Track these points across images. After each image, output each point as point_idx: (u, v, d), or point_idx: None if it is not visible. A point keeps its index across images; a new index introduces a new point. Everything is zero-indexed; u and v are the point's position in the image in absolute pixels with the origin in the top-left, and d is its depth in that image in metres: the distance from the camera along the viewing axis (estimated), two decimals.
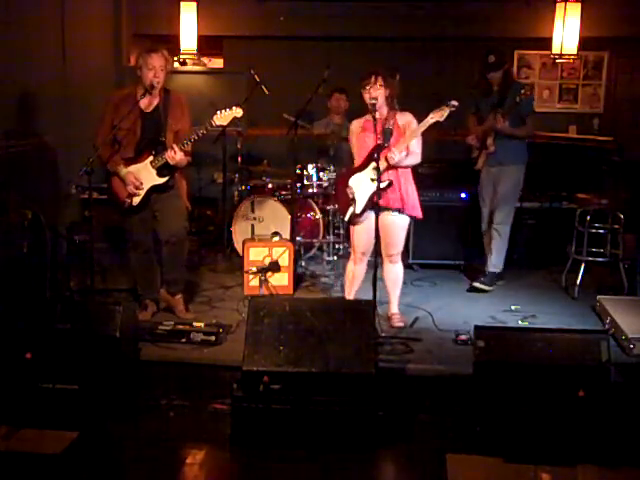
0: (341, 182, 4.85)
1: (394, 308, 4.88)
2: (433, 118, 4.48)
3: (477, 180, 5.79)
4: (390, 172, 4.57)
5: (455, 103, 4.43)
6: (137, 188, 4.61)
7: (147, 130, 4.63)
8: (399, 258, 4.83)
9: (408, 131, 4.58)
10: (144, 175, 4.61)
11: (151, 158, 4.60)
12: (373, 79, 4.54)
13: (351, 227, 4.86)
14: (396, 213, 4.66)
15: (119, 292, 5.26)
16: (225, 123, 4.62)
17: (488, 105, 5.48)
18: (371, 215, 4.63)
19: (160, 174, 4.62)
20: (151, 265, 4.94)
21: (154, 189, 4.65)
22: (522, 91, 5.21)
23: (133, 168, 4.62)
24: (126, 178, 4.60)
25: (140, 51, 4.62)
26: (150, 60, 4.52)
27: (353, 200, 4.70)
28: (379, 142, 4.49)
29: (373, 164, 4.56)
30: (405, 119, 4.65)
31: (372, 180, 4.51)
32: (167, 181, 4.65)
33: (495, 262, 5.59)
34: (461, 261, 6.18)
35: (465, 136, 5.73)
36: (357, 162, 4.75)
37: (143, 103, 4.61)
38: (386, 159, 4.50)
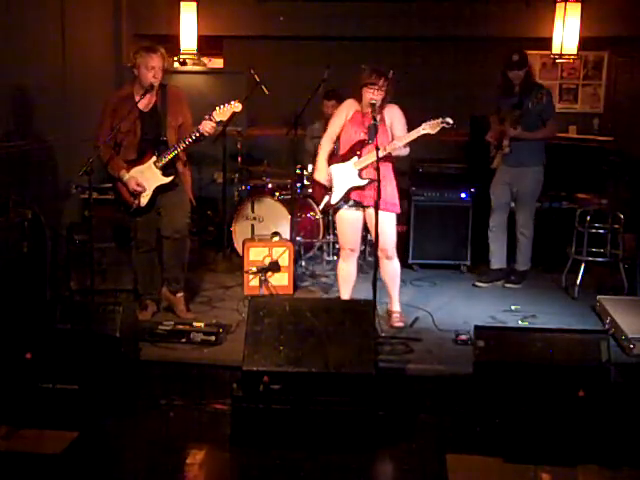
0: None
1: (396, 306, 4.87)
2: (425, 129, 4.48)
3: (477, 180, 5.79)
4: (370, 170, 4.54)
5: (450, 121, 4.44)
6: (140, 193, 4.62)
7: (147, 129, 4.61)
8: (394, 253, 4.80)
9: (400, 136, 4.56)
10: (149, 176, 4.61)
11: (154, 158, 4.59)
12: (382, 82, 4.52)
13: (337, 224, 4.88)
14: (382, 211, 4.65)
15: (119, 292, 5.26)
16: (225, 118, 4.63)
17: (508, 105, 5.50)
18: (353, 211, 4.69)
19: (165, 173, 4.63)
20: (153, 264, 4.94)
21: (160, 188, 4.66)
22: (537, 96, 5.26)
23: (137, 170, 4.61)
24: (128, 184, 4.60)
25: (137, 50, 4.58)
26: (150, 60, 4.49)
27: (330, 189, 4.72)
28: (363, 138, 4.53)
29: (355, 158, 4.62)
30: (392, 113, 4.66)
31: (359, 176, 4.58)
32: (173, 180, 4.66)
33: (525, 261, 5.69)
34: (462, 261, 6.16)
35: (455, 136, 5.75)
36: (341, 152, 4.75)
37: (141, 103, 4.59)
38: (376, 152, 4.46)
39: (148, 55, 4.50)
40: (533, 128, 5.44)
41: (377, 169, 4.25)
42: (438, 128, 4.46)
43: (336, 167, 4.72)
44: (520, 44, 7.68)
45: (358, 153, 4.61)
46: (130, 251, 5.03)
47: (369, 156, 4.54)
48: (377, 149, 4.27)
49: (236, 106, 4.61)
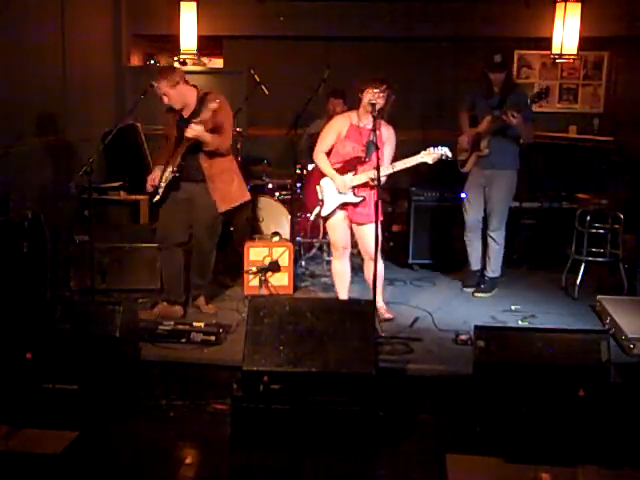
0: (313, 179, 4.87)
1: (380, 302, 4.85)
2: (423, 158, 4.54)
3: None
4: (364, 188, 4.62)
5: (449, 155, 4.53)
6: (153, 186, 4.74)
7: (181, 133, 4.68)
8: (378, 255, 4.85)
9: (396, 163, 4.59)
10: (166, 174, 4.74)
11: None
12: (384, 88, 4.51)
13: (327, 226, 4.90)
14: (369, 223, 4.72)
15: (119, 292, 5.26)
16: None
17: (487, 106, 5.35)
18: (341, 212, 4.72)
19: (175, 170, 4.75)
20: (174, 263, 4.90)
21: (171, 183, 4.74)
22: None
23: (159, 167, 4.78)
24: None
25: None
26: (157, 90, 4.65)
27: (322, 201, 4.75)
28: (360, 155, 4.53)
29: (350, 174, 4.62)
30: (388, 133, 4.68)
31: (353, 194, 4.60)
32: (179, 174, 4.71)
33: (494, 268, 5.54)
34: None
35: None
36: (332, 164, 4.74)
37: (184, 112, 4.74)
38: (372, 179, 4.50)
39: (154, 85, 4.65)
40: (511, 130, 5.24)
41: (378, 181, 4.24)
42: (436, 159, 4.52)
43: (328, 180, 4.73)
44: (520, 44, 7.78)
45: (353, 170, 4.62)
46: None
47: (365, 174, 4.56)
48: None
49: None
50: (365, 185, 4.63)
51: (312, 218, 4.94)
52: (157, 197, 4.75)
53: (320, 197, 4.75)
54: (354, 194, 4.64)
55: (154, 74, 4.70)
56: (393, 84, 4.59)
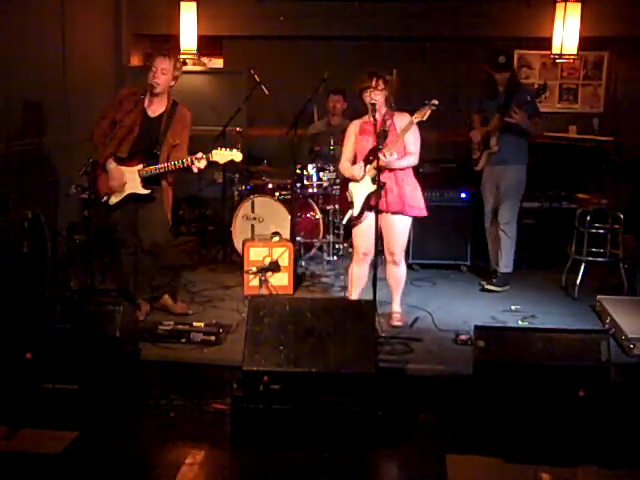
0: (343, 186, 4.88)
1: (396, 307, 4.89)
2: (417, 118, 4.52)
3: (477, 180, 5.78)
4: (386, 174, 4.57)
5: (436, 102, 4.48)
6: (119, 185, 4.58)
7: (145, 134, 4.64)
8: (402, 258, 4.83)
9: (399, 135, 4.58)
10: (129, 180, 4.60)
11: (140, 166, 4.59)
12: (374, 82, 4.53)
13: (353, 231, 4.87)
14: (397, 214, 4.67)
15: (119, 292, 5.25)
16: (221, 162, 4.67)
17: (494, 106, 5.44)
18: (371, 215, 4.63)
19: (144, 185, 4.62)
20: (141, 266, 4.89)
21: (134, 197, 4.64)
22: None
23: (121, 169, 4.62)
24: (113, 172, 4.58)
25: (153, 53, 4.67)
26: (153, 61, 4.58)
27: (351, 203, 4.75)
28: (374, 145, 4.50)
29: (368, 166, 4.62)
30: (403, 121, 4.64)
31: (373, 182, 4.52)
32: (149, 193, 4.65)
33: (506, 262, 5.58)
34: (462, 261, 6.17)
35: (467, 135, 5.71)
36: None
37: (149, 107, 4.65)
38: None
39: (155, 56, 4.60)
40: (518, 128, 5.33)
41: (377, 168, 4.26)
42: (428, 113, 4.50)
43: (354, 183, 4.74)
44: (520, 44, 7.78)
45: (371, 159, 4.60)
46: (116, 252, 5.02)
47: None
48: (374, 150, 4.25)
49: (236, 155, 4.66)
50: (388, 172, 4.58)
51: (345, 221, 4.85)
52: (113, 200, 4.65)
53: (350, 200, 4.75)
54: (373, 183, 4.55)
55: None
56: (384, 74, 4.59)
